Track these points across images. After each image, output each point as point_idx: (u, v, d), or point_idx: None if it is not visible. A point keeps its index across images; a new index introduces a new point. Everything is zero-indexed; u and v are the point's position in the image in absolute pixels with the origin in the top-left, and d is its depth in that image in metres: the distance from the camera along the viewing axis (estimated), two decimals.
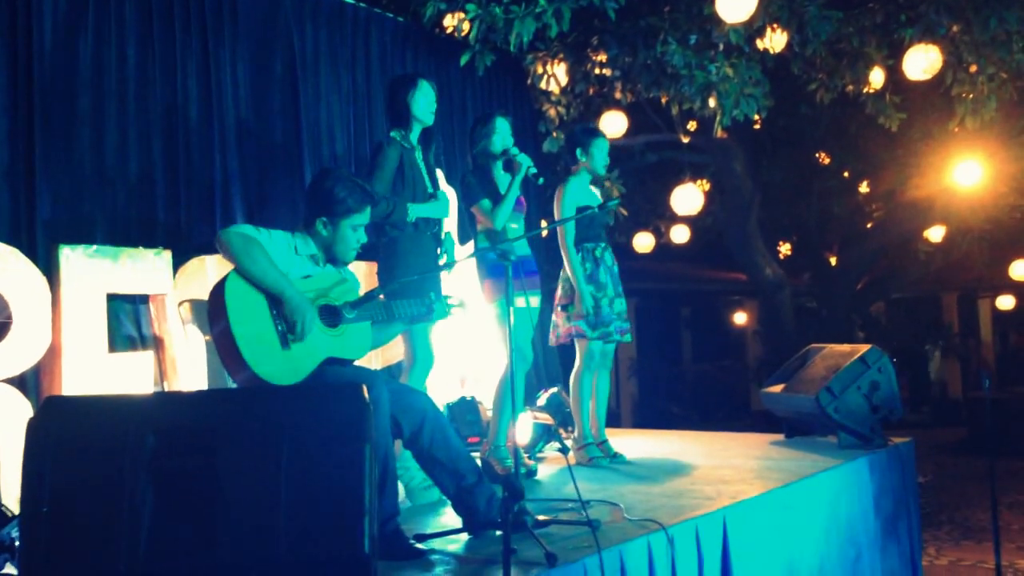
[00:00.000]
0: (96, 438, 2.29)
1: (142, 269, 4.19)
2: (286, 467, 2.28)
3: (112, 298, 4.11)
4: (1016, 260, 10.49)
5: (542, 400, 5.93)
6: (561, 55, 6.81)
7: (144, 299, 4.28)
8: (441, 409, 5.36)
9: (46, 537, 2.24)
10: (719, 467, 4.75)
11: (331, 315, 3.30)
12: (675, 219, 9.67)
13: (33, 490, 2.27)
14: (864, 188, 10.90)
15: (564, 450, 5.13)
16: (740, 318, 15.83)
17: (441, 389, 5.45)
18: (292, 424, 2.31)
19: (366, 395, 2.43)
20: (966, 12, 6.31)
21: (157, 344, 4.27)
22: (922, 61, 6.38)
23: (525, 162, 4.42)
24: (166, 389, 4.21)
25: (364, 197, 3.47)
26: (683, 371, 15.25)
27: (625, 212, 7.74)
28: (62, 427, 2.32)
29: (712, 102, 6.41)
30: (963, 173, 7.91)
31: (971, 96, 6.93)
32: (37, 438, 2.31)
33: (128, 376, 4.07)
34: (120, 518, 2.22)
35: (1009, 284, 11.81)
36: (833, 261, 11.62)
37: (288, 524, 2.24)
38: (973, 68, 6.80)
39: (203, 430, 2.26)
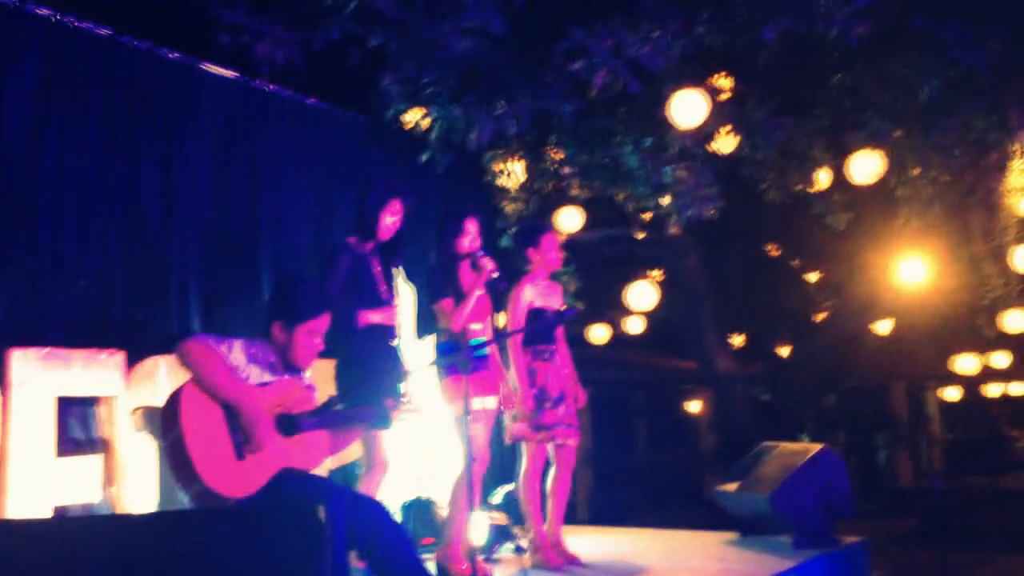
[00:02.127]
0: (40, 566, 2.23)
1: (94, 371, 4.14)
2: None
3: (62, 400, 4.05)
4: (960, 354, 10.72)
5: (497, 498, 5.88)
6: (519, 153, 6.94)
7: (95, 401, 4.21)
8: (396, 508, 5.32)
9: None
10: (677, 570, 4.74)
11: (288, 424, 3.28)
12: (629, 311, 9.76)
13: None
14: (813, 278, 11.12)
15: (520, 551, 5.08)
16: (693, 406, 15.88)
17: (396, 489, 5.39)
18: (245, 550, 2.27)
19: (322, 516, 2.40)
20: (909, 119, 6.55)
21: (106, 448, 4.19)
22: (867, 165, 6.58)
23: (488, 266, 4.47)
24: (113, 494, 4.12)
25: (321, 303, 3.49)
26: (637, 459, 15.20)
27: (581, 306, 7.80)
28: (4, 557, 2.26)
29: (666, 201, 6.56)
30: (907, 270, 8.10)
31: (915, 198, 7.16)
32: None
33: (76, 481, 3.99)
34: None
35: (956, 376, 12.06)
36: (785, 353, 11.78)
37: None
38: (916, 171, 7.03)
39: (153, 557, 2.21)
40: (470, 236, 4.61)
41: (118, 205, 4.53)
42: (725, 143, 6.46)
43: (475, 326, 4.60)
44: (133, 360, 4.32)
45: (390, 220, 4.30)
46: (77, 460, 4.06)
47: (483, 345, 4.39)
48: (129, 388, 4.26)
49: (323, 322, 3.48)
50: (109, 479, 4.14)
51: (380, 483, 4.22)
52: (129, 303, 4.52)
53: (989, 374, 12.29)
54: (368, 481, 4.19)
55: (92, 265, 4.38)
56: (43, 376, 3.95)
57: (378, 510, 3.34)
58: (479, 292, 4.52)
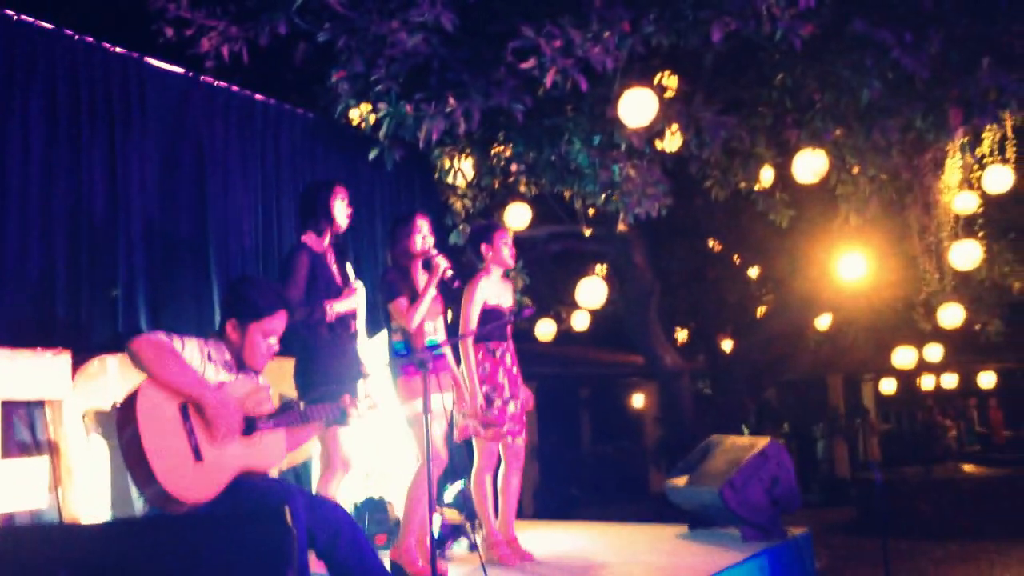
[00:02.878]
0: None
1: (39, 372, 4.04)
2: None
3: (6, 403, 3.95)
4: (897, 347, 11.00)
5: (449, 495, 5.88)
6: (468, 150, 6.93)
7: (40, 402, 4.11)
8: (349, 507, 5.30)
9: None
10: (628, 564, 4.80)
11: (247, 425, 3.24)
12: (576, 305, 9.83)
13: None
14: (754, 273, 11.32)
15: (473, 547, 5.09)
16: (638, 400, 16.05)
17: (348, 486, 5.36)
18: (213, 554, 2.25)
19: (288, 519, 2.39)
20: (850, 119, 6.69)
21: (52, 450, 4.09)
22: (810, 164, 6.70)
23: (442, 264, 4.49)
24: (60, 497, 4.03)
25: (275, 301, 3.45)
26: (582, 453, 15.33)
27: (530, 302, 7.82)
28: None
29: (615, 198, 6.60)
30: (847, 266, 8.28)
31: (854, 196, 7.35)
32: None
33: (22, 485, 3.89)
34: None
35: (891, 369, 12.38)
36: (728, 347, 11.98)
37: None
38: (856, 169, 7.20)
39: (119, 566, 2.18)
40: (422, 234, 4.63)
41: (62, 201, 4.41)
42: (671, 141, 6.53)
43: (427, 326, 4.61)
44: (79, 360, 4.23)
45: (342, 206, 4.37)
46: (23, 462, 3.96)
47: (439, 345, 4.41)
48: (75, 388, 4.16)
49: (277, 321, 3.43)
50: (56, 482, 4.05)
51: (338, 483, 4.20)
52: (74, 301, 4.41)
53: (923, 366, 12.66)
54: (325, 481, 4.17)
55: (35, 262, 4.26)
56: None
57: (336, 511, 3.34)
58: (433, 291, 4.53)
